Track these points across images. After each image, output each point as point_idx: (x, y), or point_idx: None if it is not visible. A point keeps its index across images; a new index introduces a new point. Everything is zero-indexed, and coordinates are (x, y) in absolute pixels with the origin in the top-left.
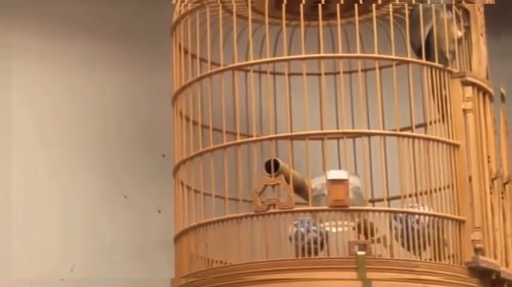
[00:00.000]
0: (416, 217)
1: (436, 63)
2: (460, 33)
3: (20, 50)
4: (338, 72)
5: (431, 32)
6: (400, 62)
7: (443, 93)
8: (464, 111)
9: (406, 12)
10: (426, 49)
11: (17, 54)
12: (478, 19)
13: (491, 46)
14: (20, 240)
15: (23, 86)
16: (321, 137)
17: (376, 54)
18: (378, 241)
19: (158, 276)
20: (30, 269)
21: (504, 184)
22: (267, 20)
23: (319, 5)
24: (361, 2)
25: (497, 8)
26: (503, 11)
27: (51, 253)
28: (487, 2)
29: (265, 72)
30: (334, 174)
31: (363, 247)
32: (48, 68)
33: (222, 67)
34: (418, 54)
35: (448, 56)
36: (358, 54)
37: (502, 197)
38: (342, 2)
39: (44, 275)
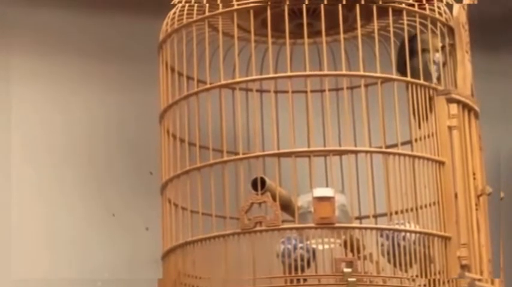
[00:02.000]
0: (403, 233)
1: (421, 81)
2: (440, 44)
3: (12, 70)
4: (324, 90)
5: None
6: (386, 80)
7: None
8: (450, 128)
9: (391, 29)
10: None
11: (12, 75)
12: (463, 36)
13: (491, 64)
14: (8, 258)
15: (14, 105)
16: (307, 154)
17: (361, 72)
18: (365, 257)
19: None
20: (19, 285)
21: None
22: (252, 38)
23: (304, 23)
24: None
25: (497, 26)
26: (503, 29)
27: (38, 270)
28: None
29: (251, 90)
30: (320, 192)
31: (350, 264)
32: (37, 86)
33: (208, 85)
34: (402, 72)
35: (432, 69)
36: (344, 72)
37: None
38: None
39: None
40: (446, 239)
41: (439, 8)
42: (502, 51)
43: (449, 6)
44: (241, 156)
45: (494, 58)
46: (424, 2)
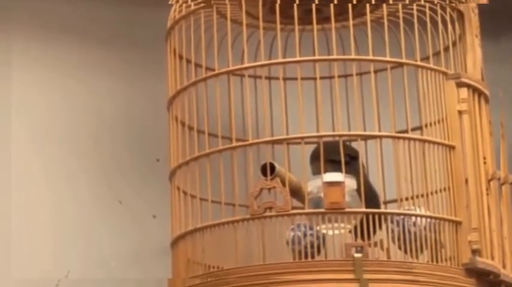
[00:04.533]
0: (413, 219)
1: (431, 65)
2: None
3: (17, 56)
4: (333, 76)
5: None
6: (395, 65)
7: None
8: (460, 112)
9: (401, 15)
10: None
11: (13, 60)
12: (473, 20)
13: (491, 51)
14: (15, 246)
15: (19, 92)
16: (317, 140)
17: (370, 57)
18: (375, 244)
19: (154, 280)
20: (25, 274)
21: (501, 185)
22: (261, 24)
23: (313, 9)
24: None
25: (497, 13)
26: (503, 16)
27: (45, 259)
28: (481, 2)
29: (260, 77)
30: (330, 176)
31: (360, 249)
32: (43, 73)
33: (216, 71)
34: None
35: None
36: (353, 56)
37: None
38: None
39: (39, 280)
40: (457, 223)
41: None
42: (502, 39)
43: None
44: (250, 141)
45: (494, 45)
46: None
